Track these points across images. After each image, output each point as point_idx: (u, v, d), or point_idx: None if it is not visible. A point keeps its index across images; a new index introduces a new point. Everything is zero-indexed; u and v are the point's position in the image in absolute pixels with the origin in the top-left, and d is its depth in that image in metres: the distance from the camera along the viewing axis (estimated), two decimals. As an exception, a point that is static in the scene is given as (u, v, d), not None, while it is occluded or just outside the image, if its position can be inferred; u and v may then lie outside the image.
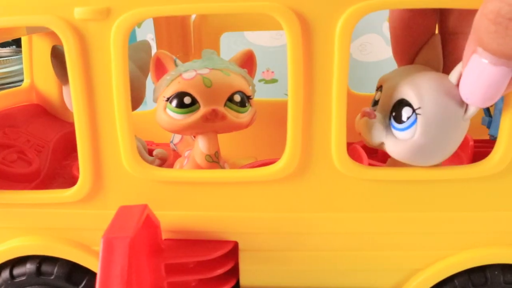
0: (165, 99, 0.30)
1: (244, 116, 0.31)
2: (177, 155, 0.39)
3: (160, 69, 0.31)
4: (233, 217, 0.29)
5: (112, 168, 0.29)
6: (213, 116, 0.30)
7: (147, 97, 0.72)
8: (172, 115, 0.30)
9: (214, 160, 0.32)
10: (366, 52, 0.73)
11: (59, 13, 0.26)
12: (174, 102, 0.30)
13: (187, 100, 0.29)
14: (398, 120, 0.26)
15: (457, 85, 0.25)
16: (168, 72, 0.31)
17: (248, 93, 0.31)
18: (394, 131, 0.26)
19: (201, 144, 0.31)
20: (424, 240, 0.29)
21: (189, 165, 0.33)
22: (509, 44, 0.21)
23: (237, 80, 0.31)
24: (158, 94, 0.31)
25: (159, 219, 0.28)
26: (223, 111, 0.30)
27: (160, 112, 0.30)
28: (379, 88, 0.28)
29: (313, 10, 0.25)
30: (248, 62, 0.33)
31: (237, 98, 0.30)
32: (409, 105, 0.25)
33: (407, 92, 0.26)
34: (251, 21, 0.48)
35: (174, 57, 0.31)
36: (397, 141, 0.26)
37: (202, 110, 0.30)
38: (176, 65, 0.31)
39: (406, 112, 0.26)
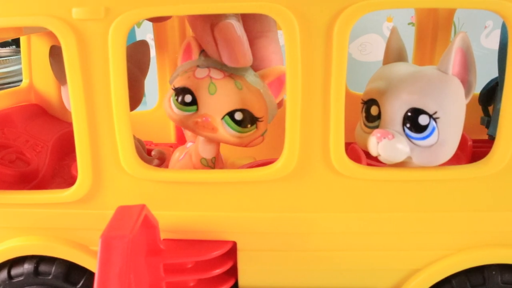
0: (173, 87, 0.29)
1: (241, 137, 0.29)
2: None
3: (187, 55, 0.30)
4: (232, 217, 0.29)
5: (110, 168, 0.29)
6: (202, 125, 0.29)
7: (147, 97, 0.72)
8: (172, 106, 0.29)
9: (209, 165, 0.31)
10: (366, 52, 0.73)
11: (57, 13, 0.26)
12: (177, 96, 0.29)
13: (187, 98, 0.29)
14: (417, 130, 0.26)
15: (453, 73, 0.26)
16: (190, 60, 0.30)
17: (257, 114, 0.29)
18: (416, 141, 0.26)
19: (200, 146, 0.31)
20: (422, 240, 0.29)
21: (184, 161, 0.32)
22: None
23: (247, 97, 0.28)
24: (173, 78, 0.30)
25: (157, 219, 0.28)
26: (215, 123, 0.29)
27: (166, 98, 0.30)
28: (371, 101, 0.28)
29: (311, 9, 0.25)
30: (275, 82, 0.30)
31: (238, 116, 0.28)
32: (423, 112, 0.26)
33: (416, 100, 0.26)
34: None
35: (202, 50, 0.30)
36: (424, 150, 0.26)
37: (197, 114, 0.29)
38: (200, 56, 0.30)
39: (423, 120, 0.26)
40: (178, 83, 0.29)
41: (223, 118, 0.29)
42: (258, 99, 0.29)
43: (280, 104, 0.31)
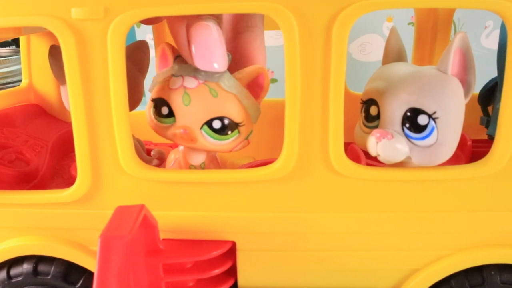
0: (151, 99, 0.29)
1: (222, 144, 0.29)
2: None
3: (164, 61, 0.29)
4: (231, 217, 0.29)
5: (109, 168, 0.28)
6: (180, 136, 0.28)
7: (146, 97, 0.72)
8: (152, 117, 0.29)
9: None
10: (366, 52, 0.73)
11: (56, 13, 0.26)
12: (155, 108, 0.29)
13: (164, 110, 0.28)
14: (417, 129, 0.26)
15: (452, 73, 0.26)
16: (166, 68, 0.29)
17: (237, 119, 0.28)
18: (415, 141, 0.26)
19: (187, 153, 0.30)
20: (421, 240, 0.29)
21: (174, 167, 0.32)
22: None
23: (224, 104, 0.27)
24: (151, 87, 0.30)
25: (156, 219, 0.28)
26: (194, 134, 0.28)
27: (147, 109, 0.30)
28: (370, 101, 0.28)
29: (310, 9, 0.25)
30: (253, 82, 0.28)
31: (217, 124, 0.28)
32: (423, 112, 0.26)
33: (415, 100, 0.26)
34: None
35: (177, 55, 0.29)
36: (423, 150, 0.26)
37: (176, 126, 0.28)
38: (174, 63, 0.29)
39: (422, 120, 0.26)
40: (155, 94, 0.29)
41: (201, 128, 0.28)
42: (236, 105, 0.28)
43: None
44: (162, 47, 0.29)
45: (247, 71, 0.28)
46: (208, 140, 0.28)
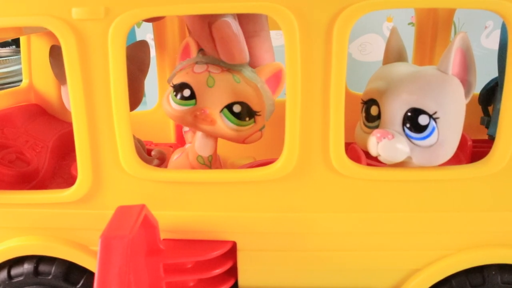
0: (172, 85, 0.30)
1: (240, 130, 0.29)
2: None
3: (186, 54, 0.31)
4: (232, 217, 0.29)
5: (110, 168, 0.29)
6: (201, 117, 0.29)
7: (147, 97, 0.72)
8: (171, 102, 0.30)
9: (206, 164, 0.31)
10: (366, 52, 0.73)
11: (56, 13, 0.26)
12: (176, 92, 0.29)
13: (186, 92, 0.29)
14: (417, 130, 0.26)
15: (453, 73, 0.26)
16: (188, 58, 0.31)
17: (255, 108, 0.29)
18: (416, 141, 0.26)
19: (197, 142, 0.31)
20: (422, 240, 0.29)
21: (180, 159, 0.32)
22: None
23: (245, 91, 0.29)
24: (171, 76, 0.31)
25: (157, 219, 0.28)
26: (214, 116, 0.29)
27: (165, 97, 0.30)
28: (371, 101, 0.28)
29: (311, 9, 0.25)
30: (272, 78, 0.30)
31: (237, 108, 0.29)
32: (423, 112, 0.26)
33: (416, 100, 0.26)
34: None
35: (200, 48, 0.31)
36: (424, 150, 0.26)
37: (196, 107, 0.29)
38: (198, 53, 0.30)
39: (422, 120, 0.26)
40: (177, 80, 0.30)
41: (221, 111, 0.29)
42: (256, 93, 0.29)
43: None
44: (187, 40, 0.31)
45: (267, 66, 0.30)
46: (226, 124, 0.29)
